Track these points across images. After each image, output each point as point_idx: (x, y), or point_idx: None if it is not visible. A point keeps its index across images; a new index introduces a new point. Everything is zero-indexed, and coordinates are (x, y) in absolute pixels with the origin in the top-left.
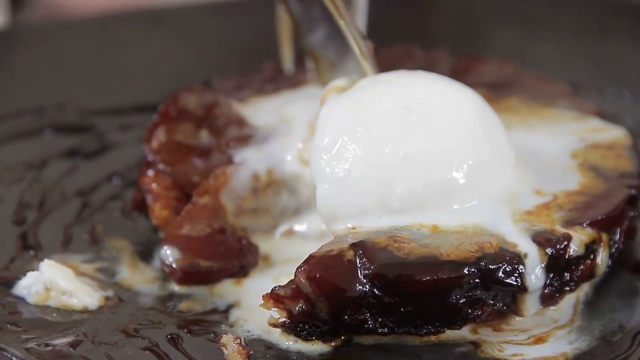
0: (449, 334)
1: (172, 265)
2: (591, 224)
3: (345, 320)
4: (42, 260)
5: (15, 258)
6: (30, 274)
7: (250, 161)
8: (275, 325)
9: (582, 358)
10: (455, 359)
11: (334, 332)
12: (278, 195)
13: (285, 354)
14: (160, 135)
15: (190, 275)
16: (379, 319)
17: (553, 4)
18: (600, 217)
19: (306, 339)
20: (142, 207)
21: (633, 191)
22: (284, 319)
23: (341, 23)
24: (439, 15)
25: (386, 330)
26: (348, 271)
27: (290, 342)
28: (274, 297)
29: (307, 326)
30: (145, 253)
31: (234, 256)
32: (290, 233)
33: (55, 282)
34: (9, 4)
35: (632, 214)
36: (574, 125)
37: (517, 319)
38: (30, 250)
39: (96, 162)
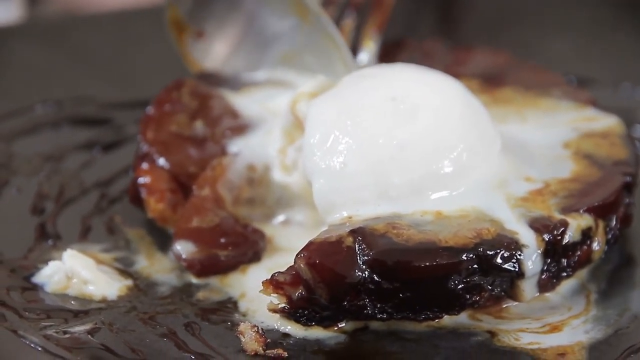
0: (465, 322)
1: (189, 259)
2: (587, 210)
3: (344, 306)
4: (60, 250)
5: (34, 248)
6: (52, 263)
7: (245, 152)
8: (274, 311)
9: (598, 347)
10: (472, 347)
11: (334, 318)
12: (273, 185)
13: (302, 342)
14: (155, 127)
15: (209, 267)
16: (378, 305)
17: (567, 0)
18: (596, 204)
19: (305, 324)
20: (138, 200)
21: (628, 178)
22: (284, 305)
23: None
24: (454, 13)
25: (385, 315)
26: (347, 257)
27: (306, 331)
28: (274, 283)
29: (306, 312)
30: (163, 243)
31: (247, 243)
32: (287, 222)
33: (77, 272)
34: None
35: (627, 200)
36: (567, 115)
37: (522, 305)
38: (48, 240)
39: (114, 154)
